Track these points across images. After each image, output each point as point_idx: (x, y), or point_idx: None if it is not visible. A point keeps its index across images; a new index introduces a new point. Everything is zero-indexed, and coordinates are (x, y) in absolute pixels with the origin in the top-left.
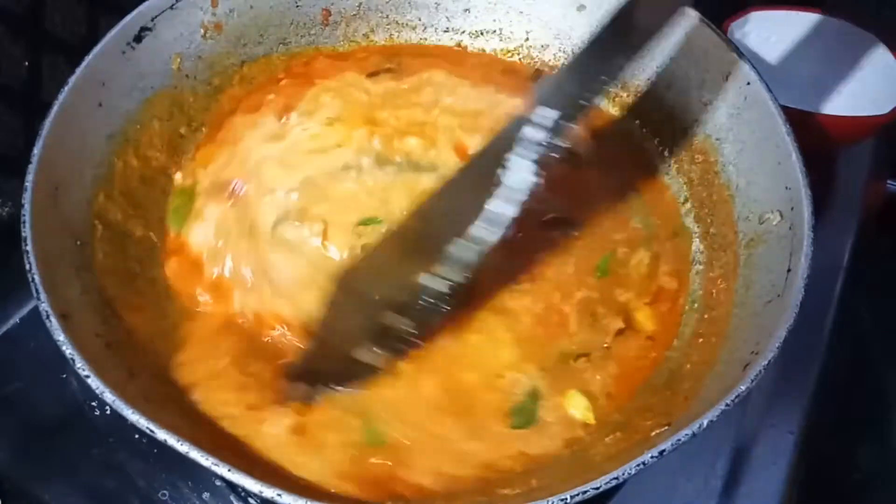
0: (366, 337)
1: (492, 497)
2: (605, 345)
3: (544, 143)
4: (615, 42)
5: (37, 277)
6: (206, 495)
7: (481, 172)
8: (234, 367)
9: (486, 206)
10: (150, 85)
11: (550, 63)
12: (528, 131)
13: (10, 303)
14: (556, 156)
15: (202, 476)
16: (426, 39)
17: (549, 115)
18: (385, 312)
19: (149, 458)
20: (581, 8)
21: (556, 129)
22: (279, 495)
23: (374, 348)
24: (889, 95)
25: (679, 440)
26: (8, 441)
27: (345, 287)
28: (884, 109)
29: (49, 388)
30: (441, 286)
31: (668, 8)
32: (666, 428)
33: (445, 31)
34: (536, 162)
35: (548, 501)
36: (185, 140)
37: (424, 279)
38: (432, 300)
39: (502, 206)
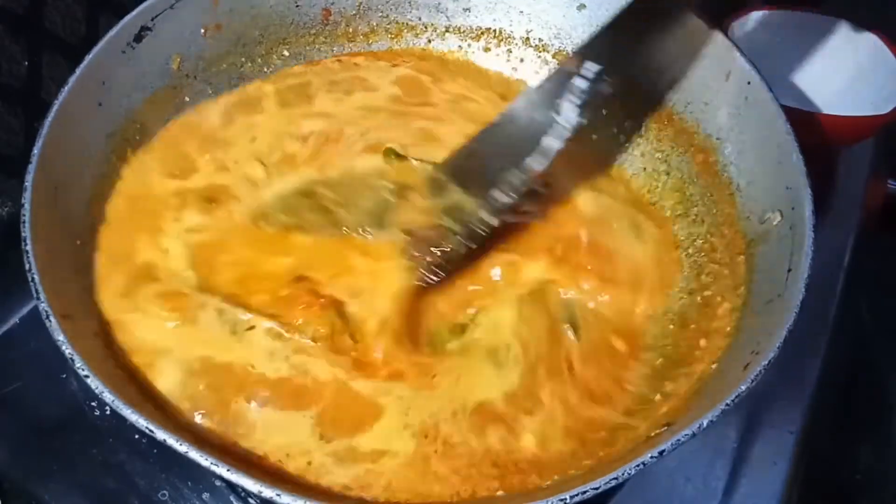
0: None
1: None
2: None
3: (589, 91)
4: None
5: (36, 277)
6: (205, 495)
7: (533, 113)
8: None
9: (541, 141)
10: (150, 84)
11: (550, 63)
12: (577, 80)
13: (10, 303)
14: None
15: (202, 476)
16: (427, 41)
17: (593, 68)
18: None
19: (149, 458)
20: (581, 7)
21: (598, 80)
22: (278, 495)
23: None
24: (889, 95)
25: (679, 440)
26: (8, 441)
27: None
28: (884, 109)
29: (49, 388)
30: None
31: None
32: (665, 428)
33: (446, 31)
34: (581, 106)
35: (548, 501)
36: None
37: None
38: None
39: (553, 142)
